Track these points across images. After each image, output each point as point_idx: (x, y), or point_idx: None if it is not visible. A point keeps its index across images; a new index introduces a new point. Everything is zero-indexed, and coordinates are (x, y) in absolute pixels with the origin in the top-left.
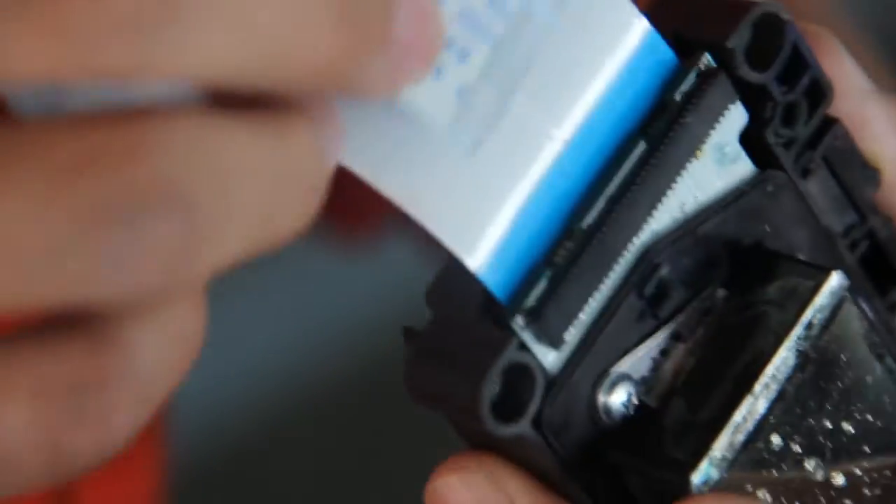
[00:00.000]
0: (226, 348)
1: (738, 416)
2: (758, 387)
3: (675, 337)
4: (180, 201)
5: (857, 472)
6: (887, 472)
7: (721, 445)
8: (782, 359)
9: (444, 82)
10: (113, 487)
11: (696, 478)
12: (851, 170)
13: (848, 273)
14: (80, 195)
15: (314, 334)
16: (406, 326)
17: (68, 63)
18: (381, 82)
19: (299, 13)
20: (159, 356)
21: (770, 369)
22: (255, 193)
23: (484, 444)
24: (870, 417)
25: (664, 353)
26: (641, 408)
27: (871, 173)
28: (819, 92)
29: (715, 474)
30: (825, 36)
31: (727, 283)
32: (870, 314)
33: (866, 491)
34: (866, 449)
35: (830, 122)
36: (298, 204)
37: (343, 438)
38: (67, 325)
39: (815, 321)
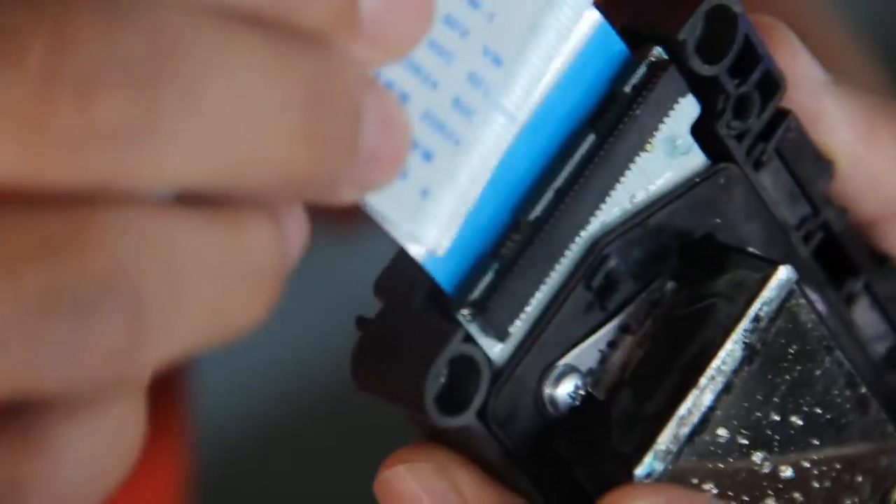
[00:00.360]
0: (233, 350)
1: (683, 409)
2: (703, 379)
3: (624, 329)
4: (128, 295)
5: (806, 464)
6: (836, 465)
7: (666, 438)
8: (728, 351)
9: (408, 183)
10: (138, 492)
11: (640, 470)
12: (804, 162)
13: (801, 265)
14: (26, 282)
15: (317, 334)
16: (359, 315)
17: (46, 167)
18: (347, 190)
19: (270, 128)
20: (90, 457)
21: (716, 362)
22: (207, 288)
23: (434, 435)
24: (818, 410)
25: (612, 344)
26: (589, 399)
27: (824, 165)
28: (772, 84)
29: (659, 467)
30: (780, 28)
31: (677, 276)
32: (819, 307)
33: (815, 484)
34: (815, 441)
35: (783, 115)
36: (251, 298)
37: (346, 439)
38: None
39: (763, 314)
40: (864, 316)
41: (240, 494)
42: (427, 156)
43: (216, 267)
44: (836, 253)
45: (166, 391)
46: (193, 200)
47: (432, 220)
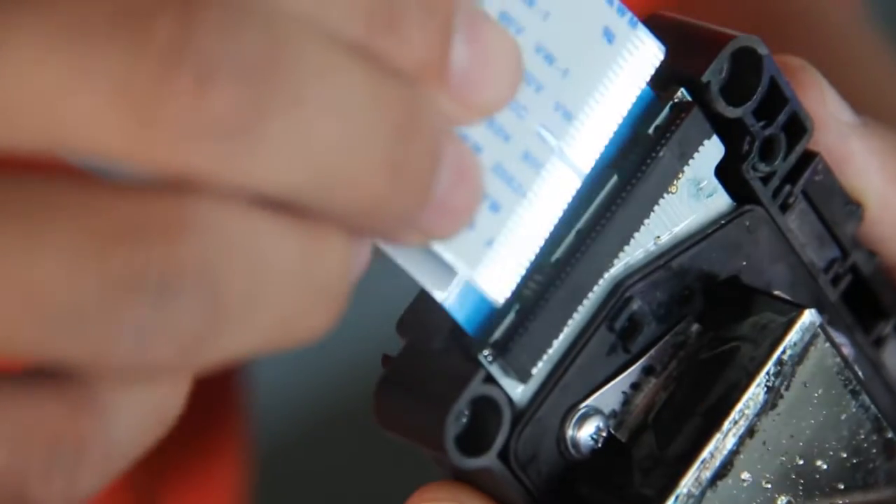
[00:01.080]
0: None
1: (705, 453)
2: (726, 423)
3: (647, 371)
4: (210, 288)
5: None
6: None
7: (688, 482)
8: (752, 395)
9: (474, 233)
10: (199, 489)
11: None
12: (832, 205)
13: (829, 308)
14: (115, 263)
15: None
16: (384, 354)
17: (152, 148)
18: (412, 234)
19: (358, 150)
20: (132, 425)
21: (739, 406)
22: (281, 293)
23: (457, 474)
24: (844, 455)
25: (635, 386)
26: (611, 441)
27: (852, 208)
28: (798, 126)
29: None
30: (807, 69)
31: (701, 318)
32: (846, 350)
33: None
34: (840, 486)
35: (811, 157)
36: (319, 311)
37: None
38: (48, 376)
39: (787, 357)
40: (894, 359)
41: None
42: (494, 207)
43: (293, 275)
44: (866, 296)
45: (228, 387)
46: (278, 209)
47: (495, 271)
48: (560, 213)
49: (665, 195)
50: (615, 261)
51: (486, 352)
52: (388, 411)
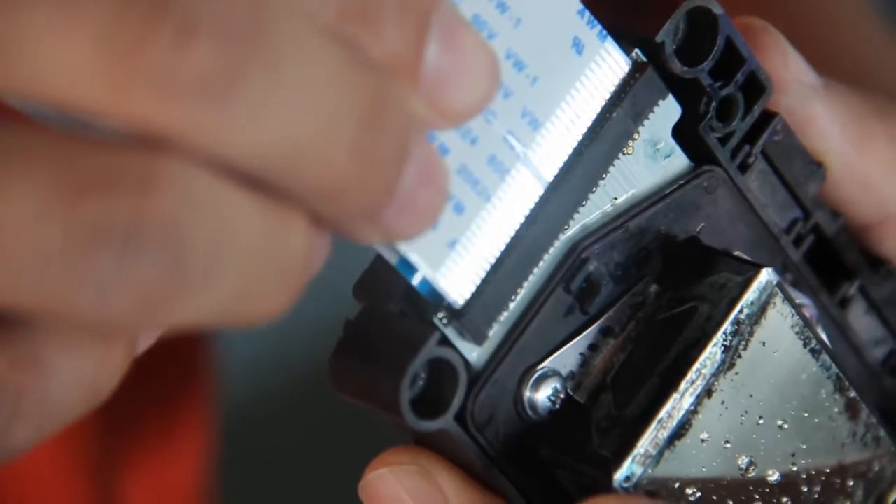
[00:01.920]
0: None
1: (662, 413)
2: (683, 383)
3: (605, 332)
4: (174, 244)
5: (794, 468)
6: (826, 469)
7: (645, 442)
8: (709, 355)
9: (437, 233)
10: (158, 474)
11: (620, 474)
12: (793, 165)
13: (792, 268)
14: (82, 211)
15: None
16: (347, 319)
17: (127, 99)
18: (374, 232)
19: (326, 127)
20: (68, 388)
21: (696, 366)
22: (241, 266)
23: (418, 438)
24: (805, 414)
25: (593, 347)
26: (569, 403)
27: (814, 168)
28: (757, 86)
29: (639, 470)
30: (770, 31)
31: (660, 279)
32: (810, 311)
33: (804, 488)
34: (802, 445)
35: (770, 117)
36: (275, 292)
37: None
38: None
39: (744, 317)
40: (860, 320)
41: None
42: (459, 209)
43: (254, 251)
44: (830, 256)
45: (192, 361)
46: (245, 183)
47: (456, 272)
48: (522, 218)
49: (620, 156)
50: (570, 222)
51: (440, 314)
52: (344, 376)
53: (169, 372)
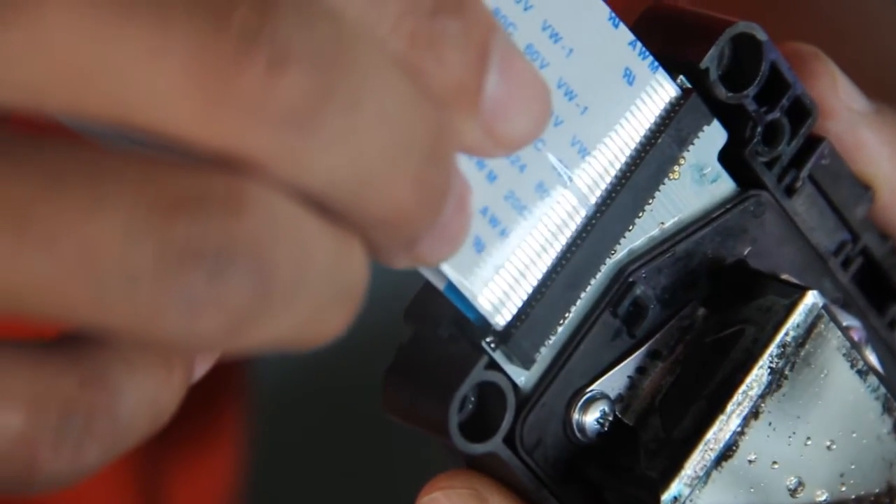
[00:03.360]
0: None
1: (709, 435)
2: (730, 405)
3: (653, 355)
4: (261, 265)
5: (843, 489)
6: (875, 490)
7: (692, 463)
8: (755, 377)
9: (483, 257)
10: (200, 473)
11: (667, 495)
12: (841, 188)
13: (840, 290)
14: (175, 231)
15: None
16: (400, 342)
17: (218, 127)
18: (407, 255)
19: (397, 160)
20: (135, 408)
21: (742, 387)
22: (315, 289)
23: (470, 462)
24: (854, 434)
25: (641, 370)
26: (618, 425)
27: (862, 191)
28: (803, 111)
29: (686, 491)
30: (819, 57)
31: (707, 302)
32: (859, 333)
33: None
34: (851, 466)
35: (817, 141)
36: (339, 314)
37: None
38: (62, 348)
39: (790, 339)
40: None
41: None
42: (504, 233)
43: (326, 273)
44: (879, 278)
45: (230, 375)
46: (313, 207)
47: (501, 296)
48: (567, 244)
49: (666, 181)
50: (617, 247)
51: (489, 338)
52: (395, 399)
53: (208, 382)
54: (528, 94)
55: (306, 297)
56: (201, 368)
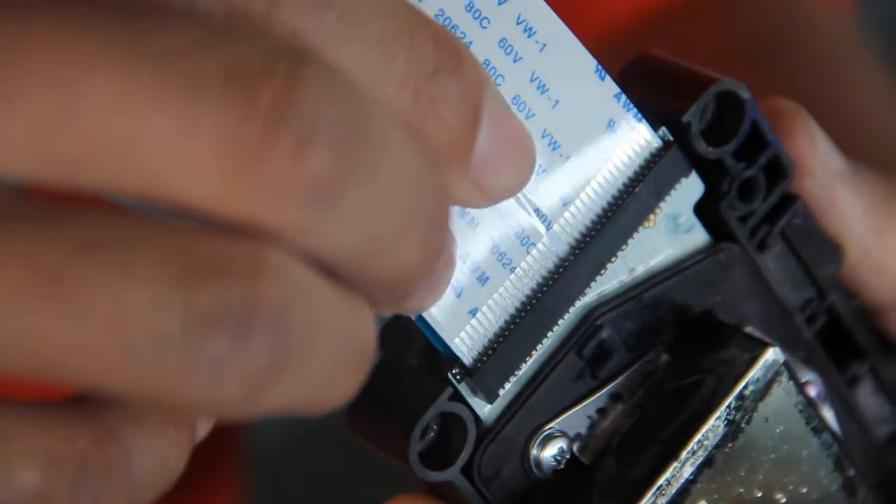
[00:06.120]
0: None
1: (662, 480)
2: (684, 453)
3: (615, 397)
4: (280, 329)
5: None
6: None
7: None
8: (711, 427)
9: (461, 301)
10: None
11: None
12: (811, 246)
13: (803, 346)
14: (201, 296)
15: None
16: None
17: (244, 203)
18: (395, 305)
19: (403, 228)
20: (145, 468)
21: (698, 436)
22: (328, 352)
23: (430, 487)
24: (804, 489)
25: (601, 411)
26: (574, 463)
27: (832, 251)
28: (780, 169)
29: None
30: (800, 115)
31: (672, 349)
32: (817, 388)
33: None
34: None
35: (792, 200)
36: (351, 377)
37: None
38: (77, 406)
39: (748, 393)
40: (868, 399)
41: None
42: (483, 279)
43: (338, 336)
44: (842, 335)
45: (226, 438)
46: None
47: (474, 336)
48: (541, 286)
49: (641, 228)
50: (587, 290)
51: (455, 370)
52: (361, 422)
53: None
54: (515, 148)
55: (321, 361)
56: (204, 428)
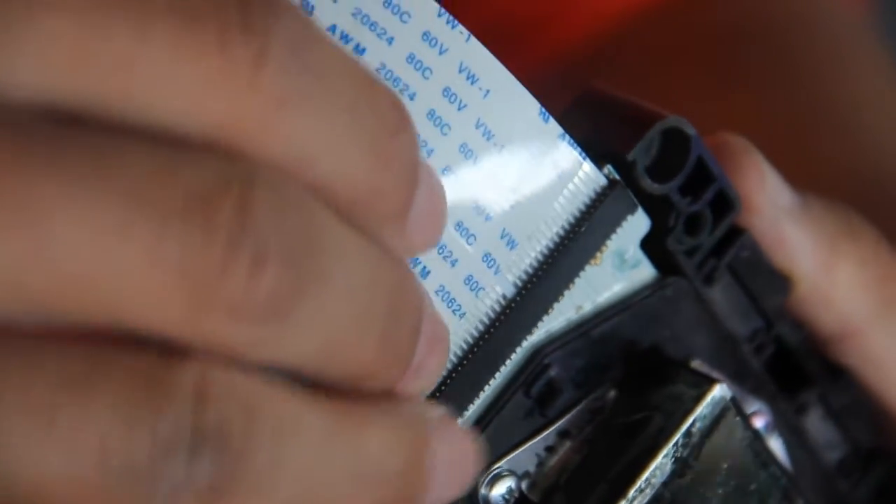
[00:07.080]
0: None
1: None
2: (632, 491)
3: (563, 434)
4: (231, 448)
5: None
6: None
7: None
8: (659, 464)
9: None
10: None
11: None
12: (759, 278)
13: (751, 376)
14: (166, 419)
15: None
16: None
17: (201, 327)
18: (406, 387)
19: (358, 329)
20: None
21: (646, 474)
22: (303, 474)
23: None
24: None
25: (550, 449)
26: (524, 501)
27: (780, 282)
28: (726, 203)
29: None
30: (749, 151)
31: (620, 385)
32: (765, 418)
33: None
34: None
35: (738, 233)
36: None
37: None
38: None
39: (695, 430)
40: (817, 425)
41: None
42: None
43: (339, 468)
44: (791, 364)
45: None
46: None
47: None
48: (485, 326)
49: (587, 267)
50: (535, 329)
51: None
52: None
53: None
54: (439, 205)
55: (292, 480)
56: None
